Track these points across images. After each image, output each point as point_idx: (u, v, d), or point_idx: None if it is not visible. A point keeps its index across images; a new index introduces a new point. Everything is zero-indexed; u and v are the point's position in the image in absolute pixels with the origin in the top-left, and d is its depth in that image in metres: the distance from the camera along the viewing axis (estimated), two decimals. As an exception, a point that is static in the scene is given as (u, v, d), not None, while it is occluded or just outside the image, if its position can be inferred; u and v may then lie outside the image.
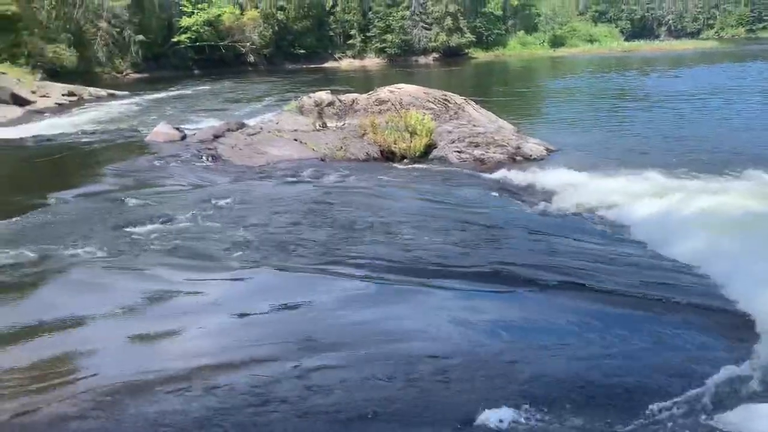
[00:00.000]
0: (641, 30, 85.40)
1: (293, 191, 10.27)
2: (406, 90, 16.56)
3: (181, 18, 48.78)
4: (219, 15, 50.17)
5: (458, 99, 16.58)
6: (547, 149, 13.46)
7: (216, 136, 14.91)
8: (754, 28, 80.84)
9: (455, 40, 60.14)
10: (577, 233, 7.92)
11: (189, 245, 7.40)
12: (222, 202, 9.37)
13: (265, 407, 4.12)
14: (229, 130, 15.42)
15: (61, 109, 24.71)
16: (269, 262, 6.89)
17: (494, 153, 13.01)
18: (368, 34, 60.07)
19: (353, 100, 16.70)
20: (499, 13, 66.74)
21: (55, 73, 33.63)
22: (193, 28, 48.59)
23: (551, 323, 5.38)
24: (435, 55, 60.49)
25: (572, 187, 9.99)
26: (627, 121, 18.33)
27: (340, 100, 16.75)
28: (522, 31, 69.45)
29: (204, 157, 13.06)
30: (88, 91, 29.28)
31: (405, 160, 13.13)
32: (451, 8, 59.39)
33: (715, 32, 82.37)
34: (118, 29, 43.82)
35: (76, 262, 6.85)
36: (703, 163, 11.42)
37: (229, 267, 6.79)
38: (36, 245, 7.31)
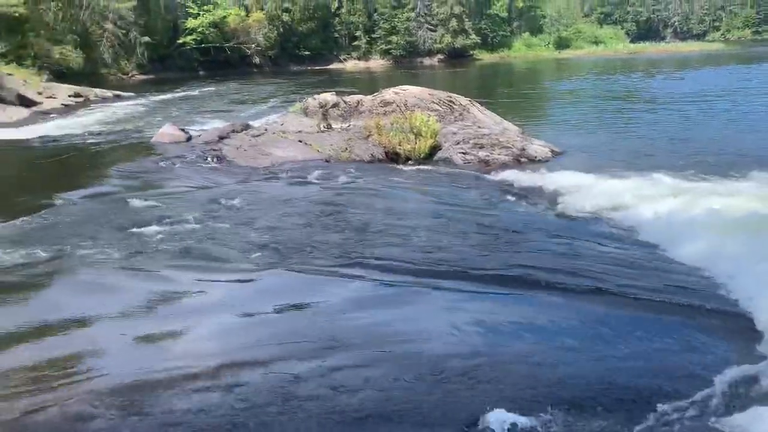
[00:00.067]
0: (647, 32, 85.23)
1: (298, 192, 10.29)
2: (411, 91, 16.57)
3: (186, 20, 48.94)
4: (224, 17, 50.31)
5: (463, 100, 16.57)
6: (552, 151, 13.44)
7: (221, 138, 14.94)
8: (760, 30, 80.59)
9: (460, 41, 60.15)
10: (584, 235, 7.90)
11: (196, 246, 7.42)
12: (228, 203, 9.39)
13: (269, 408, 4.13)
14: (234, 131, 15.45)
15: (67, 110, 24.79)
16: (277, 263, 6.90)
17: (499, 154, 13.00)
18: (373, 36, 60.13)
19: (358, 102, 16.71)
20: (504, 14, 66.75)
21: (61, 74, 33.74)
22: (198, 30, 48.72)
23: (558, 325, 5.36)
24: (440, 56, 60.51)
25: (579, 189, 9.96)
26: (632, 123, 18.28)
27: (344, 102, 16.76)
28: (527, 33, 69.43)
29: (209, 158, 13.09)
30: (94, 92, 29.38)
31: (410, 162, 13.12)
32: (456, 10, 59.41)
33: (721, 34, 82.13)
34: (123, 31, 43.97)
35: (83, 263, 6.88)
36: (710, 164, 11.37)
37: (238, 268, 6.80)
38: (43, 246, 7.34)
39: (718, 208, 7.97)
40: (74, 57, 36.43)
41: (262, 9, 52.67)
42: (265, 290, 6.27)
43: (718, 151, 13.25)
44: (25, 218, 8.56)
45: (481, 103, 17.19)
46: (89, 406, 4.14)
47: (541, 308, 5.69)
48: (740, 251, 6.52)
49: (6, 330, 5.28)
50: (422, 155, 13.24)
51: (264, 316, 5.63)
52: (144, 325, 5.38)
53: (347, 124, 15.43)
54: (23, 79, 26.33)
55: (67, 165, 13.84)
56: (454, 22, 59.61)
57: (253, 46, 51.45)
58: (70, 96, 27.23)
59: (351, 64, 58.56)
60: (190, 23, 48.71)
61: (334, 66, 56.92)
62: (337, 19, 58.90)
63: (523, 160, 12.90)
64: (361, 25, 59.42)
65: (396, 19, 59.28)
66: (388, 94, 16.53)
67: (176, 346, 5.02)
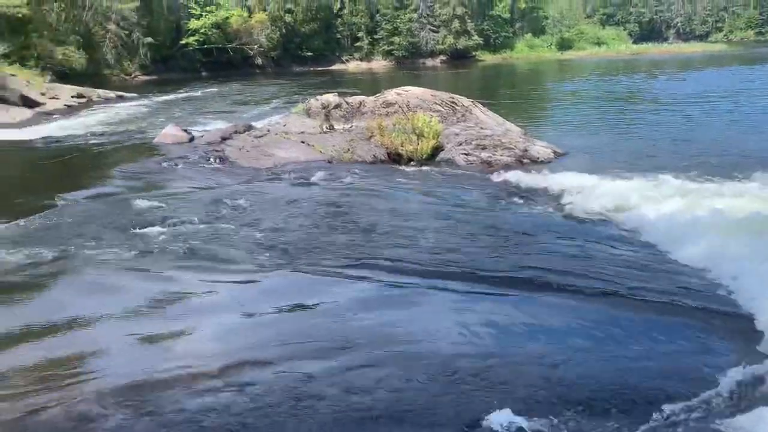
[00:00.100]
0: (649, 33, 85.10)
1: (302, 193, 10.30)
2: (413, 92, 16.57)
3: (189, 20, 49.02)
4: (227, 17, 50.37)
5: (465, 101, 16.56)
6: (554, 152, 13.43)
7: (223, 138, 14.96)
8: (763, 30, 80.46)
9: (462, 42, 60.15)
10: (588, 237, 7.89)
11: (200, 247, 7.42)
12: (231, 204, 9.39)
13: (276, 408, 4.13)
14: (236, 132, 15.47)
15: (70, 110, 24.83)
16: (283, 264, 6.90)
17: (501, 155, 12.99)
18: (375, 37, 60.16)
19: (360, 103, 16.72)
20: (507, 16, 66.72)
21: (64, 75, 33.81)
22: (201, 31, 48.80)
23: (564, 327, 5.36)
24: (442, 57, 60.52)
25: (582, 190, 9.95)
26: (635, 124, 18.26)
27: (347, 103, 16.77)
28: (529, 34, 69.40)
29: (212, 159, 13.10)
30: (96, 93, 29.43)
31: (412, 163, 13.12)
32: (459, 11, 59.42)
33: (724, 35, 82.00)
34: (126, 32, 44.06)
35: (86, 263, 6.88)
36: (713, 165, 11.36)
37: (243, 269, 6.80)
38: (46, 246, 7.34)
39: (722, 209, 7.96)
40: (77, 58, 36.51)
41: (264, 10, 52.73)
42: (270, 291, 6.26)
43: (721, 152, 13.23)
44: (28, 219, 8.57)
45: (484, 104, 17.19)
46: (93, 406, 4.14)
47: (547, 310, 5.68)
48: (744, 252, 6.51)
49: (10, 330, 5.29)
50: (424, 156, 13.24)
51: (270, 316, 5.63)
52: (148, 325, 5.39)
53: (349, 125, 15.44)
54: (26, 80, 26.39)
55: (70, 165, 13.87)
56: (456, 23, 59.61)
57: (256, 47, 51.51)
58: (72, 97, 27.28)
59: (353, 65, 58.59)
60: (193, 24, 48.79)
61: (336, 67, 56.95)
62: (339, 20, 58.94)
63: (525, 161, 12.89)
64: (363, 26, 59.46)
65: (398, 20, 59.31)
66: (391, 95, 16.53)
67: (181, 346, 5.02)
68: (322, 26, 57.17)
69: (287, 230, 8.10)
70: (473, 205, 9.66)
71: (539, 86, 35.34)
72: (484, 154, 13.05)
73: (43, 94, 25.72)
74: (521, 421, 3.92)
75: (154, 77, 44.71)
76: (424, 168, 12.62)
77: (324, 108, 16.30)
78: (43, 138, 17.26)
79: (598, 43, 70.50)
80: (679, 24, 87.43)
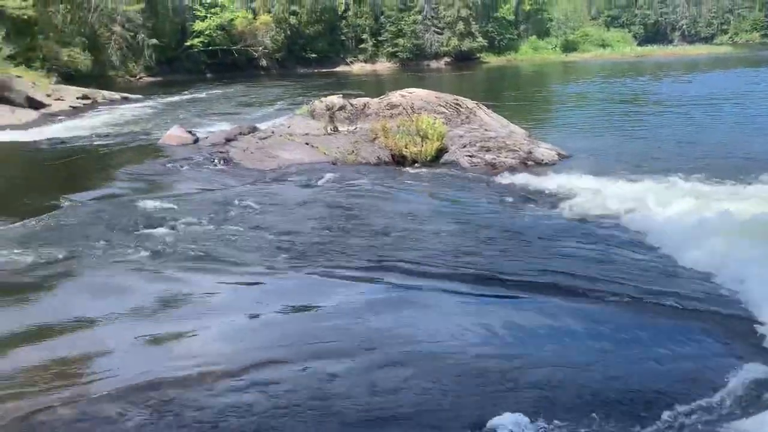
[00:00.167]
0: (654, 35, 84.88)
1: (306, 195, 10.30)
2: (417, 94, 16.56)
3: (194, 22, 49.15)
4: (232, 19, 50.50)
5: (470, 103, 16.55)
6: (559, 154, 13.40)
7: (228, 140, 14.98)
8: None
9: (467, 44, 60.15)
10: (594, 239, 7.87)
11: (205, 248, 7.43)
12: (236, 206, 9.41)
13: (278, 409, 4.13)
14: (241, 133, 15.50)
15: (75, 112, 24.91)
16: (288, 266, 6.90)
17: (506, 158, 12.98)
18: (380, 39, 60.19)
19: (365, 105, 16.72)
20: (511, 17, 66.69)
21: (69, 76, 33.93)
22: (206, 33, 48.93)
23: (570, 329, 5.35)
24: (447, 59, 60.52)
25: (587, 192, 9.93)
26: (640, 126, 18.22)
27: (351, 105, 16.77)
28: (534, 36, 69.34)
29: (216, 161, 13.13)
30: (102, 94, 29.52)
31: (416, 164, 13.11)
32: (463, 13, 59.42)
33: (729, 37, 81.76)
34: (131, 33, 44.23)
35: (92, 264, 6.90)
36: (718, 168, 11.31)
37: (250, 270, 6.81)
38: (51, 247, 7.37)
39: (728, 211, 7.93)
40: (82, 59, 36.65)
41: (269, 12, 52.84)
42: (280, 292, 6.26)
43: (727, 154, 13.20)
44: (34, 219, 8.60)
45: (488, 106, 17.17)
46: (101, 405, 4.15)
47: (555, 313, 5.68)
48: (750, 255, 6.49)
49: (17, 330, 5.30)
50: (428, 158, 13.23)
51: (280, 317, 5.65)
52: (156, 325, 5.39)
53: (354, 127, 15.44)
54: (32, 82, 26.49)
55: (75, 167, 13.91)
56: (460, 25, 59.61)
57: (260, 48, 51.62)
58: (78, 98, 27.36)
59: (358, 67, 58.64)
60: (198, 26, 48.92)
61: (340, 69, 57.01)
62: (343, 21, 59.01)
63: (529, 163, 12.87)
64: (367, 28, 59.51)
65: (403, 22, 59.34)
66: (395, 96, 16.53)
67: (188, 346, 5.03)
68: (326, 28, 57.25)
69: (294, 232, 8.10)
70: (479, 207, 9.65)
71: (543, 88, 35.30)
72: (489, 156, 13.04)
73: (48, 96, 25.80)
74: (527, 422, 3.91)
75: (159, 79, 44.83)
76: (429, 170, 12.61)
77: (328, 110, 16.30)
78: (48, 139, 17.32)
79: (603, 45, 70.39)
80: (684, 26, 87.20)
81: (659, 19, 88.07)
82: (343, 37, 59.63)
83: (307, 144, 13.86)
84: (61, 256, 7.09)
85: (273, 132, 15.13)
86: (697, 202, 8.87)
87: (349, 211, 9.17)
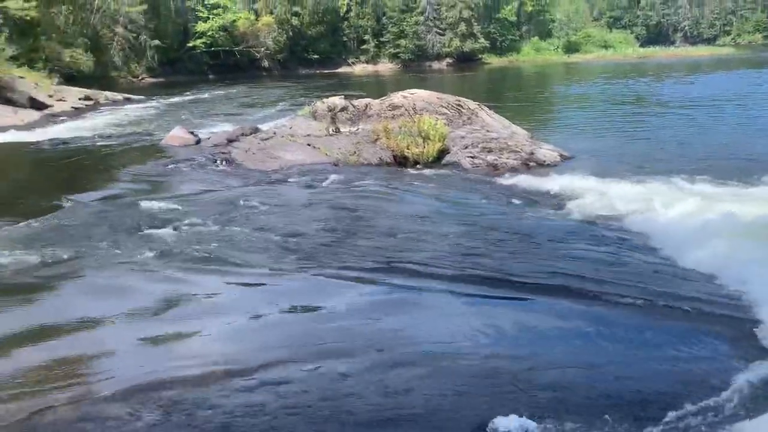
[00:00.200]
0: (657, 36, 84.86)
1: (308, 195, 10.30)
2: (419, 95, 16.56)
3: (196, 23, 49.29)
4: (234, 20, 50.61)
5: (471, 104, 16.55)
6: (561, 155, 13.40)
7: (230, 141, 14.99)
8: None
9: (469, 45, 60.22)
10: (597, 241, 7.86)
11: (208, 249, 7.41)
12: (238, 206, 9.41)
13: (284, 409, 4.12)
14: (243, 134, 15.51)
15: (77, 112, 24.97)
16: (292, 267, 6.89)
17: (507, 159, 12.97)
18: (382, 40, 60.29)
19: (366, 105, 16.72)
20: (514, 18, 66.77)
21: (71, 77, 34.00)
22: (208, 34, 49.05)
23: (566, 331, 5.34)
24: (448, 60, 60.59)
25: (589, 194, 9.93)
26: (642, 128, 18.20)
27: (353, 105, 16.78)
28: (536, 37, 69.39)
29: (218, 161, 13.13)
30: (104, 95, 29.59)
31: (418, 165, 13.11)
32: (465, 14, 59.48)
33: (732, 39, 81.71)
34: (134, 34, 44.35)
35: (94, 265, 6.90)
36: (721, 169, 11.30)
37: (253, 271, 6.78)
38: (54, 247, 7.37)
39: (731, 213, 7.91)
40: (85, 60, 36.73)
41: (271, 13, 52.95)
42: (283, 293, 6.24)
43: (729, 155, 13.19)
44: (35, 220, 8.60)
45: (490, 107, 17.16)
46: (103, 406, 4.15)
47: (558, 314, 5.67)
48: (752, 257, 6.48)
49: (18, 330, 5.30)
50: (430, 159, 13.23)
51: (284, 318, 5.62)
52: (157, 327, 5.38)
53: (356, 128, 15.45)
54: (34, 82, 26.55)
55: (77, 167, 13.92)
56: (462, 26, 59.67)
57: (263, 49, 51.73)
58: (80, 99, 27.43)
59: (359, 68, 58.72)
60: (200, 27, 49.04)
61: (342, 70, 57.09)
62: (346, 22, 59.10)
63: (531, 164, 12.87)
64: (369, 29, 59.60)
65: (405, 23, 59.42)
66: (397, 97, 16.53)
67: (193, 347, 5.02)
68: (328, 29, 57.34)
69: (298, 232, 8.09)
70: (483, 208, 9.64)
71: (546, 89, 35.31)
72: (490, 157, 13.04)
73: (50, 96, 25.87)
74: (530, 423, 3.91)
75: (161, 80, 44.94)
76: (430, 171, 12.61)
77: (330, 111, 16.31)
78: (50, 140, 17.33)
79: (605, 47, 70.39)
80: (686, 27, 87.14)
81: (661, 20, 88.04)
82: (345, 38, 59.73)
83: (308, 145, 13.87)
84: (64, 257, 7.09)
85: (275, 133, 15.14)
86: (700, 203, 8.86)
87: (352, 212, 9.16)
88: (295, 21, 54.25)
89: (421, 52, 60.13)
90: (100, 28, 42.53)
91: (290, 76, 48.33)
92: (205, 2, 49.98)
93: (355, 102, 17.08)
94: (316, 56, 56.09)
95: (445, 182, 11.62)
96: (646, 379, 4.54)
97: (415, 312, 5.77)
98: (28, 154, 15.66)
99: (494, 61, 61.90)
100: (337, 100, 17.02)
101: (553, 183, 10.86)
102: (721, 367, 4.71)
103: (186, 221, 8.46)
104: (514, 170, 12.33)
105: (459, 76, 47.25)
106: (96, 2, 41.58)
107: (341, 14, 58.79)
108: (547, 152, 13.36)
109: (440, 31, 60.34)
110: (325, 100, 17.46)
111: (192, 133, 16.34)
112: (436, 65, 59.79)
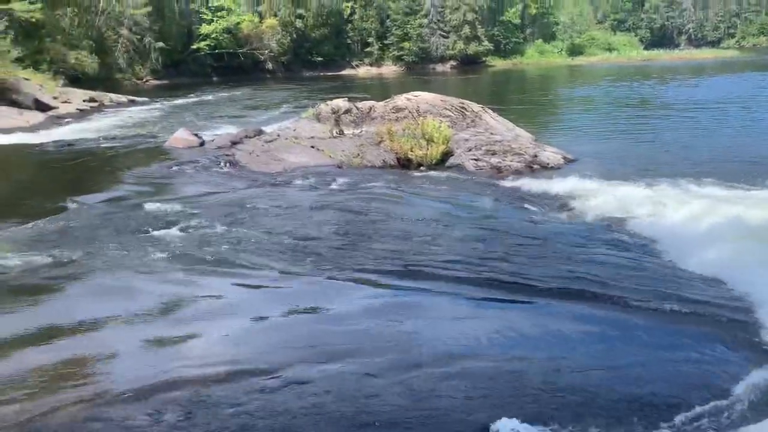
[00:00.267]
0: (661, 39, 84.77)
1: (312, 198, 10.31)
2: (423, 98, 16.57)
3: (200, 25, 49.38)
4: (238, 23, 50.70)
5: (475, 107, 16.55)
6: (564, 158, 13.38)
7: (234, 143, 15.01)
8: (775, 37, 79.94)
9: (473, 48, 60.19)
10: (601, 244, 7.85)
11: (212, 251, 7.42)
12: (242, 209, 9.41)
13: (294, 411, 4.13)
14: (246, 136, 15.53)
15: (82, 114, 25.05)
16: (296, 269, 6.89)
17: (511, 161, 12.96)
18: (386, 42, 60.34)
19: (370, 108, 16.74)
20: (518, 21, 66.73)
21: (76, 79, 34.13)
22: (212, 36, 49.15)
23: (571, 335, 5.33)
24: (452, 63, 60.59)
25: (593, 197, 9.92)
26: (646, 130, 18.19)
27: (357, 108, 16.80)
28: (540, 40, 69.37)
29: (222, 163, 13.15)
30: (108, 97, 29.68)
31: (421, 168, 13.11)
32: (469, 17, 59.48)
33: (736, 41, 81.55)
34: (138, 36, 44.46)
35: (99, 266, 6.91)
36: (725, 172, 11.27)
37: (257, 274, 6.78)
38: (58, 249, 7.38)
39: (735, 216, 7.91)
40: (89, 62, 36.84)
41: (275, 15, 53.02)
42: (290, 295, 6.24)
43: (733, 158, 13.16)
44: (40, 221, 8.62)
45: (494, 110, 17.17)
46: (106, 408, 4.15)
47: (562, 317, 5.66)
48: (757, 260, 6.46)
49: (23, 332, 5.31)
50: (434, 161, 13.23)
51: (291, 320, 5.63)
52: (161, 328, 5.39)
53: (359, 130, 15.46)
54: (39, 84, 26.65)
55: (82, 169, 13.95)
56: (466, 29, 59.67)
57: (266, 51, 51.80)
58: (85, 101, 27.53)
59: (363, 70, 58.76)
60: (204, 29, 49.14)
61: (346, 72, 57.13)
62: (349, 25, 59.16)
63: (535, 167, 12.86)
64: (373, 32, 59.65)
65: (408, 26, 59.43)
66: (400, 100, 16.54)
67: (187, 351, 5.02)
68: (332, 31, 57.40)
69: (304, 235, 8.08)
70: (490, 212, 9.62)
71: (549, 92, 35.28)
72: (494, 160, 13.03)
73: (55, 98, 25.97)
74: (526, 428, 3.90)
75: (165, 82, 45.03)
76: (434, 173, 12.61)
77: (334, 113, 16.33)
78: (55, 141, 17.39)
79: (609, 49, 70.32)
80: (690, 30, 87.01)
81: (666, 23, 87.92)
82: (348, 41, 59.78)
83: (312, 147, 13.88)
84: (70, 258, 7.10)
85: (279, 135, 15.16)
86: (706, 206, 8.84)
87: (359, 214, 9.16)
88: (299, 23, 54.32)
89: (424, 54, 60.15)
90: (105, 30, 42.65)
91: (294, 78, 48.38)
92: (210, 5, 50.10)
93: (359, 104, 17.10)
94: (319, 59, 56.15)
95: (450, 185, 11.60)
96: (658, 382, 4.52)
97: (429, 315, 5.75)
98: (33, 155, 15.71)
99: (498, 63, 61.88)
100: (341, 103, 17.04)
101: (558, 186, 10.84)
102: (730, 369, 4.69)
103: (191, 223, 8.47)
104: (517, 173, 12.33)
105: (463, 78, 47.27)
106: (101, 4, 41.71)
107: (345, 17, 58.84)
108: (550, 155, 13.35)
109: (444, 33, 60.35)
110: (328, 102, 17.47)
111: (196, 135, 16.37)
112: (439, 68, 59.81)
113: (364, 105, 17.02)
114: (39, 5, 32.19)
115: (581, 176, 11.26)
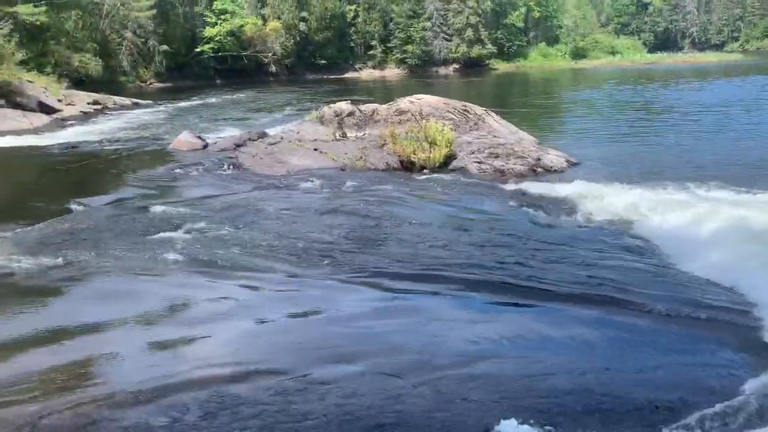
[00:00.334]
0: (664, 42, 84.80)
1: (315, 200, 10.32)
2: (426, 100, 16.60)
3: (204, 29, 49.59)
4: (242, 26, 50.87)
5: (478, 110, 16.57)
6: (567, 161, 13.38)
7: (237, 145, 15.04)
8: (779, 40, 79.87)
9: (476, 51, 60.30)
10: (605, 247, 7.84)
11: (216, 253, 7.42)
12: (246, 211, 9.43)
13: (301, 414, 4.13)
14: (250, 139, 15.56)
15: (86, 117, 25.16)
16: (303, 272, 6.90)
17: (514, 164, 12.97)
18: (389, 45, 60.47)
19: (373, 111, 16.76)
20: (521, 24, 66.85)
21: (80, 81, 34.30)
22: (216, 39, 49.33)
23: (578, 337, 5.33)
24: (455, 66, 60.70)
25: (596, 200, 9.91)
26: (649, 134, 18.18)
27: (360, 111, 16.82)
28: (543, 43, 69.46)
29: (225, 166, 13.17)
30: (112, 99, 29.81)
31: (424, 171, 13.12)
32: (472, 20, 59.58)
33: (740, 45, 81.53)
34: (142, 39, 44.66)
35: (103, 269, 6.93)
36: (729, 176, 11.26)
37: (261, 276, 6.79)
38: (62, 251, 7.40)
39: (738, 219, 7.90)
40: (93, 65, 37.03)
41: (279, 18, 53.18)
42: (298, 298, 6.23)
43: (737, 162, 13.15)
44: (44, 224, 8.64)
45: (497, 113, 17.18)
46: (109, 410, 4.16)
47: (565, 320, 5.66)
48: (761, 263, 6.45)
49: (25, 334, 5.32)
50: (437, 164, 13.25)
51: (297, 323, 5.63)
52: (164, 331, 5.39)
53: (362, 133, 15.49)
54: (44, 87, 26.77)
55: (86, 171, 13.99)
56: (470, 32, 59.77)
57: (270, 54, 51.95)
58: (89, 103, 27.66)
59: (366, 73, 58.88)
60: (208, 32, 49.33)
61: (349, 75, 57.27)
62: (353, 28, 59.33)
63: (538, 170, 12.86)
64: (376, 35, 59.79)
65: (412, 29, 59.56)
66: (404, 103, 16.57)
67: (190, 353, 5.03)
68: (335, 34, 57.56)
69: (309, 238, 8.08)
70: (493, 215, 9.61)
71: (553, 95, 35.28)
72: (497, 163, 13.03)
73: (59, 101, 26.09)
74: (528, 428, 3.91)
75: (168, 84, 45.20)
76: (437, 176, 12.62)
77: (337, 116, 16.36)
78: (59, 144, 17.44)
79: (613, 53, 70.39)
80: (694, 33, 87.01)
81: (669, 26, 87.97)
82: (352, 44, 59.95)
83: (315, 150, 13.91)
84: (73, 261, 7.12)
85: (282, 138, 15.19)
86: (707, 209, 8.83)
87: (364, 217, 9.15)
88: (302, 26, 54.50)
89: (428, 57, 60.26)
90: (109, 33, 42.87)
91: (297, 81, 48.50)
92: (213, 8, 50.29)
93: (362, 107, 17.13)
94: (323, 61, 56.30)
95: (454, 188, 11.60)
96: (668, 386, 4.51)
97: (443, 318, 5.74)
98: (38, 158, 15.77)
99: (501, 66, 61.94)
100: (344, 105, 17.07)
101: (562, 189, 10.83)
102: (734, 373, 4.69)
103: (197, 226, 8.48)
104: (521, 176, 12.32)
105: (466, 81, 47.29)
106: (105, 7, 41.91)
107: (348, 20, 59.00)
108: (554, 158, 13.35)
109: (447, 36, 60.44)
110: (332, 105, 17.51)
111: (199, 137, 16.40)
112: (443, 71, 59.89)
113: (367, 108, 17.05)
114: (44, 8, 32.34)
115: (585, 180, 11.26)
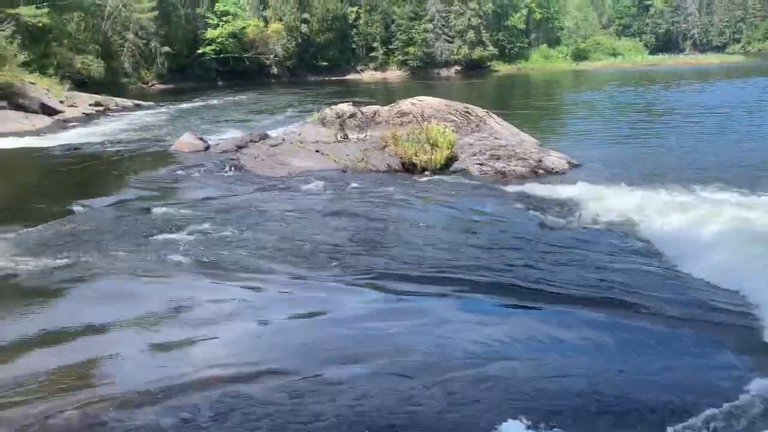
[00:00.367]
0: (666, 44, 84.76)
1: (318, 202, 10.33)
2: (427, 102, 16.60)
3: (206, 30, 49.66)
4: (243, 27, 50.94)
5: (480, 111, 16.56)
6: (569, 163, 13.36)
7: (239, 147, 15.05)
8: (781, 42, 79.84)
9: (477, 53, 60.35)
10: (607, 249, 7.81)
11: (217, 254, 7.44)
12: (248, 213, 9.44)
13: (289, 416, 4.13)
14: (252, 141, 15.57)
15: (88, 118, 25.20)
16: (305, 273, 6.90)
17: (516, 166, 12.96)
18: (390, 47, 60.51)
19: (375, 112, 16.77)
20: (522, 26, 66.89)
21: (82, 83, 34.35)
22: (217, 40, 49.39)
23: (579, 339, 5.33)
24: (457, 67, 60.75)
25: (597, 202, 9.89)
26: (651, 136, 18.15)
27: (361, 112, 16.83)
28: (545, 45, 69.49)
29: (227, 168, 13.19)
30: (114, 101, 29.85)
31: (426, 172, 13.12)
32: (474, 21, 59.65)
33: (742, 46, 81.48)
34: (144, 41, 44.72)
35: (105, 270, 6.94)
36: (731, 177, 11.23)
37: (262, 278, 6.79)
38: (63, 252, 7.42)
39: (740, 221, 7.89)
40: (95, 66, 37.10)
41: (280, 20, 53.25)
42: (294, 299, 6.25)
43: (739, 164, 13.13)
44: (46, 225, 8.66)
45: (498, 115, 17.17)
46: (111, 411, 4.16)
47: (571, 322, 5.65)
48: (764, 265, 6.44)
49: (28, 335, 5.33)
50: (438, 166, 13.25)
51: (303, 324, 5.63)
52: (170, 331, 5.40)
53: (364, 135, 15.49)
54: (46, 88, 26.83)
55: (88, 173, 14.02)
56: (471, 34, 59.83)
57: (272, 56, 52.01)
58: (91, 105, 27.70)
59: (368, 75, 58.93)
60: (210, 34, 49.39)
61: (351, 77, 57.32)
62: (354, 30, 59.37)
63: (540, 171, 12.84)
64: (378, 36, 59.84)
65: (413, 31, 59.62)
66: (405, 104, 16.57)
67: (204, 352, 5.03)
68: (337, 36, 57.61)
69: (312, 239, 8.08)
70: (496, 216, 9.59)
71: (554, 97, 35.29)
72: (499, 165, 13.03)
73: (61, 102, 26.14)
74: (539, 431, 3.90)
75: (170, 86, 45.25)
76: (439, 178, 12.61)
77: (339, 117, 16.37)
78: (61, 145, 17.47)
79: (614, 54, 70.40)
80: (695, 35, 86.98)
81: (671, 27, 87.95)
82: (353, 46, 60.00)
83: (317, 151, 13.92)
84: (75, 262, 7.13)
85: (284, 139, 15.20)
86: (709, 211, 8.81)
87: (367, 219, 9.15)
88: (304, 28, 54.55)
89: (429, 59, 60.30)
90: (111, 34, 42.94)
91: (299, 82, 48.54)
92: (215, 9, 50.36)
93: (364, 109, 17.13)
94: (324, 63, 56.34)
95: (456, 189, 11.59)
96: (658, 388, 4.51)
97: (451, 319, 5.74)
98: (40, 159, 15.79)
99: (503, 68, 61.96)
100: (346, 107, 17.07)
101: (564, 191, 10.81)
102: (739, 375, 4.68)
103: (199, 227, 8.49)
104: (522, 178, 12.31)
105: (467, 83, 47.31)
106: (107, 9, 41.98)
107: (350, 21, 59.06)
108: (555, 160, 13.33)
109: (449, 38, 60.50)
110: (333, 106, 17.51)
111: (201, 139, 16.42)
112: (444, 72, 59.94)
113: (369, 110, 17.06)
114: (46, 10, 32.42)
115: (587, 181, 11.23)
